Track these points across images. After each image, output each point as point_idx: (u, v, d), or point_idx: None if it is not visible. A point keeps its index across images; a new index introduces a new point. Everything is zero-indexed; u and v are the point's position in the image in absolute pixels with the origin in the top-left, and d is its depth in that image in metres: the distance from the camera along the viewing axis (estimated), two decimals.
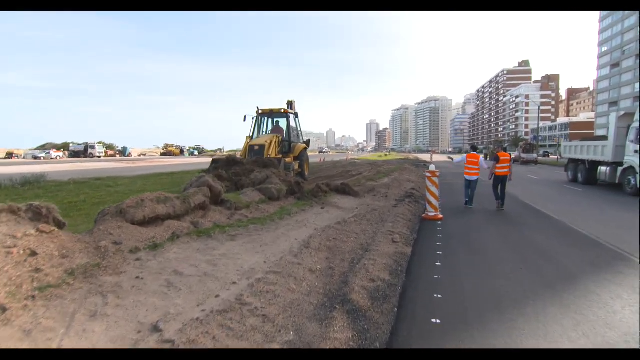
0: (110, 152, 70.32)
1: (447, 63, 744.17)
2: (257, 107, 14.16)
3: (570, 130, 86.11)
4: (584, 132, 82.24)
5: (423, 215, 8.14)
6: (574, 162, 17.69)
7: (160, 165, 29.36)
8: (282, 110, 14.13)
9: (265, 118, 14.60)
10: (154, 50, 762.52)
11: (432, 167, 8.02)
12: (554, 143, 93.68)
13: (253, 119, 14.14)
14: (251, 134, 13.99)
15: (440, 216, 7.93)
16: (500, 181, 9.65)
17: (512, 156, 41.96)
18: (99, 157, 60.94)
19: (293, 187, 8.63)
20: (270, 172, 9.06)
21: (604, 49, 74.49)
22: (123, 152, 74.17)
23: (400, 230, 6.53)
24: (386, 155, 69.80)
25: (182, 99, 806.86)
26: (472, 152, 10.20)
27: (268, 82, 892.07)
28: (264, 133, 14.19)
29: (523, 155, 38.20)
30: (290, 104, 15.20)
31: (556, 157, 48.36)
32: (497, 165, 9.63)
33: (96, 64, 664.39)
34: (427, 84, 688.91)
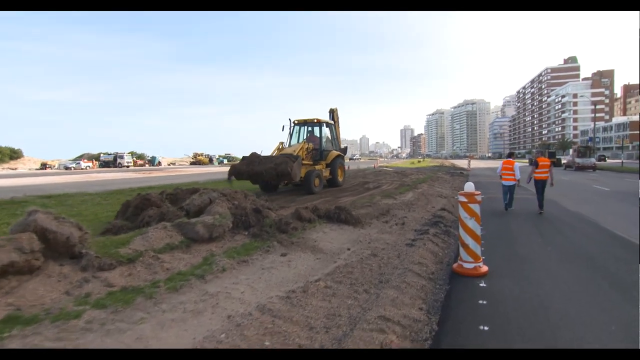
0: (139, 162, 71.49)
1: (484, 64, 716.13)
2: (290, 119, 14.71)
3: (631, 130, 77.13)
4: None
5: (455, 265, 4.93)
6: None
7: (173, 176, 27.56)
8: (315, 120, 14.55)
9: (300, 127, 15.04)
10: (193, 64, 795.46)
11: (468, 187, 4.78)
12: (609, 145, 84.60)
13: (289, 128, 14.67)
14: (287, 143, 14.44)
15: (484, 269, 4.68)
16: (540, 185, 9.67)
17: (565, 161, 37.29)
18: (128, 166, 62.02)
19: (248, 218, 5.70)
20: (219, 194, 6.19)
21: None
22: (152, 161, 75.08)
23: (406, 310, 3.44)
24: (419, 162, 65.31)
25: (220, 110, 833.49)
26: (508, 159, 10.35)
27: (302, 90, 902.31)
28: (299, 142, 14.42)
29: (578, 160, 32.92)
30: (332, 112, 15.96)
31: (620, 161, 42.09)
32: (536, 170, 9.74)
33: (140, 79, 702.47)
34: (463, 87, 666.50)
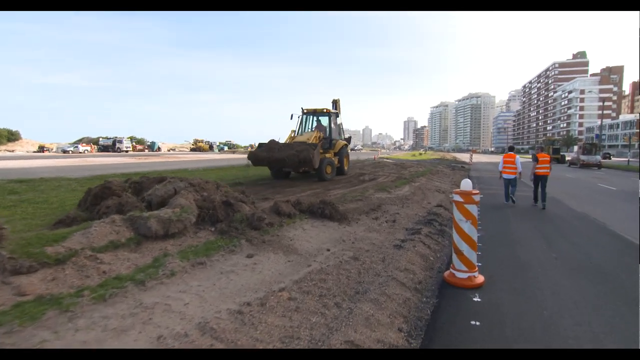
0: (139, 147, 70.89)
1: (490, 58, 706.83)
2: (302, 108, 14.99)
3: (638, 128, 75.71)
4: None
5: (446, 273, 4.30)
6: None
7: (168, 162, 26.96)
8: (325, 110, 14.90)
9: (309, 117, 15.25)
10: (196, 49, 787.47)
11: (465, 184, 4.10)
12: (615, 143, 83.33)
13: (298, 117, 14.94)
14: (296, 131, 14.67)
15: (479, 280, 4.05)
16: (539, 180, 9.85)
17: (569, 158, 36.40)
18: (127, 151, 61.52)
19: (216, 211, 5.06)
20: (186, 183, 5.54)
21: None
22: (151, 147, 74.52)
23: (381, 333, 2.83)
24: (420, 154, 64.46)
25: (222, 97, 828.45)
26: (509, 152, 10.48)
27: (304, 80, 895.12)
28: (308, 130, 14.83)
29: (583, 158, 32.00)
30: (335, 102, 16.01)
31: (626, 159, 41.16)
32: (537, 166, 9.87)
33: (142, 64, 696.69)
34: (468, 80, 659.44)
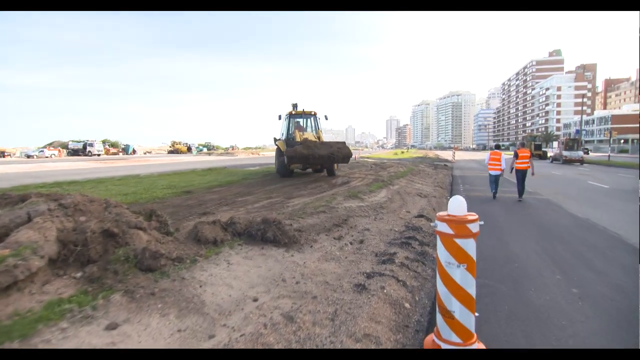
0: (112, 150, 67.55)
1: (470, 56, 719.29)
2: (293, 104, 15.62)
3: (613, 124, 77.07)
4: (629, 125, 73.58)
5: (427, 340, 2.71)
6: None
7: (137, 166, 24.79)
8: (313, 113, 15.70)
9: (292, 118, 15.62)
10: (175, 48, 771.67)
11: (456, 205, 2.47)
12: (591, 139, 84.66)
13: (285, 117, 15.64)
14: (284, 133, 15.46)
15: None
16: (521, 174, 10.35)
17: (551, 154, 36.01)
18: (98, 155, 58.34)
19: (88, 247, 3.34)
20: (56, 205, 3.79)
21: None
22: (126, 150, 71.25)
23: None
24: (403, 153, 63.60)
25: (205, 97, 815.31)
26: (495, 150, 10.92)
27: (286, 79, 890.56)
28: (290, 132, 15.29)
29: (565, 153, 31.39)
30: (294, 106, 15.93)
31: (606, 154, 40.97)
32: (517, 161, 10.42)
33: (118, 64, 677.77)
34: (449, 79, 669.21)
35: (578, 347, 2.83)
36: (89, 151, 58.39)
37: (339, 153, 12.79)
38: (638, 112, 72.48)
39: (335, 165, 15.39)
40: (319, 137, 14.80)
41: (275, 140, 16.21)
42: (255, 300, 3.34)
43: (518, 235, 6.26)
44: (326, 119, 16.18)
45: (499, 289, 3.94)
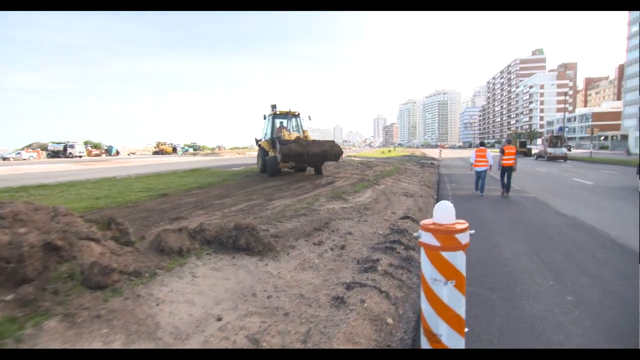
0: (95, 152, 65.74)
1: (456, 55, 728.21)
2: (272, 105, 15.76)
3: (593, 121, 78.72)
4: (609, 123, 75.27)
5: None
6: None
7: (115, 168, 23.95)
8: (297, 113, 15.67)
9: (275, 118, 15.63)
10: (159, 47, 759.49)
11: (442, 211, 2.13)
12: (573, 136, 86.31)
13: (268, 117, 15.62)
14: (268, 133, 15.55)
15: None
16: (506, 171, 10.65)
17: (536, 151, 36.48)
18: (80, 156, 56.60)
19: (24, 264, 2.90)
20: None
21: (634, 28, 66.84)
22: (109, 151, 69.47)
23: None
24: (389, 151, 63.61)
25: (192, 97, 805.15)
26: (481, 147, 11.11)
27: (274, 78, 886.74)
28: (274, 133, 15.31)
29: (550, 150, 31.73)
30: (273, 107, 15.88)
31: (588, 151, 41.60)
32: (503, 157, 10.69)
33: (105, 65, 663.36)
34: (436, 77, 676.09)
35: None
36: (70, 153, 56.60)
37: (331, 151, 13.15)
38: (617, 110, 74.20)
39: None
40: (306, 137, 14.69)
41: (257, 140, 16.29)
42: (219, 319, 2.95)
43: (507, 236, 6.00)
44: (309, 119, 16.21)
45: (490, 299, 3.63)
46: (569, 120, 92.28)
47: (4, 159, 49.64)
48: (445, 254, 2.04)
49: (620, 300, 3.55)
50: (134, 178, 14.01)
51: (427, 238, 2.09)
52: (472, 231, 2.15)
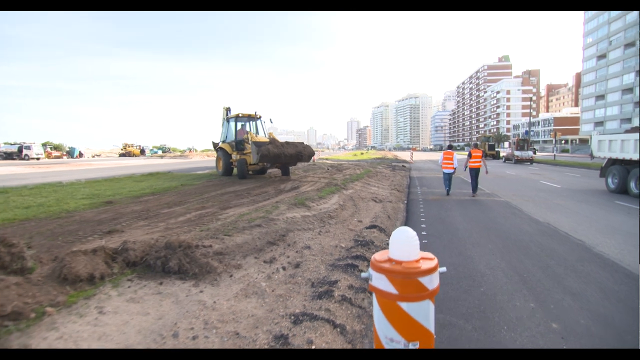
0: (55, 154, 61.83)
1: (427, 59, 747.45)
2: (226, 107, 15.90)
3: (555, 125, 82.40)
4: (568, 127, 79.00)
5: None
6: (620, 165, 11.87)
7: (67, 171, 22.15)
8: (259, 116, 15.45)
9: (237, 121, 15.41)
10: (130, 48, 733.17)
11: (399, 239, 1.54)
12: (536, 139, 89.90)
13: (230, 121, 15.41)
14: (228, 135, 15.41)
15: None
16: (474, 172, 11.12)
17: (504, 154, 37.29)
18: (37, 159, 52.98)
19: None
20: None
21: (589, 39, 70.51)
22: (70, 153, 65.63)
23: None
24: (362, 154, 63.64)
25: (156, 98, 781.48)
26: (448, 150, 11.55)
27: (246, 80, 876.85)
28: (233, 135, 15.16)
29: (517, 153, 32.45)
30: (228, 110, 15.91)
31: (551, 154, 43.10)
32: (470, 160, 11.17)
33: (73, 63, 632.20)
34: (407, 81, 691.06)
35: None
36: (26, 155, 52.95)
37: (305, 151, 13.54)
38: (576, 115, 78.01)
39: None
40: (273, 139, 14.31)
41: (216, 144, 16.05)
42: None
43: (481, 248, 5.53)
44: (271, 122, 16.18)
45: (465, 330, 3.07)
46: (533, 124, 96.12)
47: None
48: (405, 306, 1.42)
49: (611, 329, 3.08)
50: (83, 183, 12.75)
51: (379, 282, 1.46)
52: (444, 269, 1.54)
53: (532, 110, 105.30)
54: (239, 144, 14.67)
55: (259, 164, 13.29)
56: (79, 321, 2.77)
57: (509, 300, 3.63)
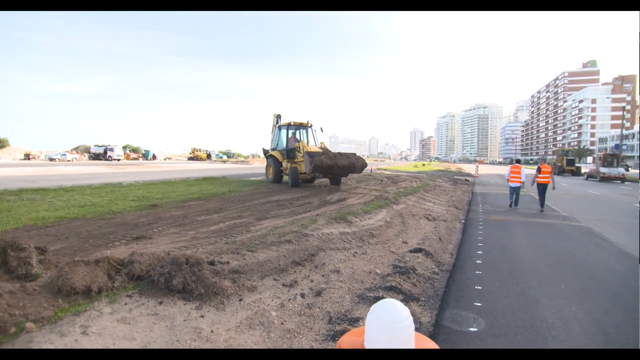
0: (133, 156, 68.72)
1: (497, 67, 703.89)
2: (277, 115, 16.35)
3: None
4: None
5: None
6: None
7: (144, 172, 24.07)
8: (310, 125, 15.47)
9: (289, 129, 15.44)
10: (199, 58, 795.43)
11: (380, 329, 0.88)
12: (631, 154, 79.01)
13: (282, 128, 15.60)
14: (279, 143, 15.56)
15: None
16: (542, 188, 11.00)
17: (586, 170, 33.13)
18: (118, 159, 59.36)
19: None
20: None
21: None
22: (145, 155, 72.47)
23: None
24: (424, 165, 61.04)
25: (223, 106, 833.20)
26: (516, 164, 11.74)
27: (312, 90, 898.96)
28: (284, 143, 15.34)
29: (603, 170, 28.40)
30: (278, 117, 16.29)
31: None
32: (539, 175, 11.06)
33: (151, 72, 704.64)
34: (475, 91, 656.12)
35: None
36: (109, 156, 59.63)
37: (357, 163, 13.31)
38: None
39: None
40: (324, 148, 14.30)
41: (266, 151, 16.16)
42: None
43: (551, 288, 4.45)
44: (322, 131, 15.90)
45: None
46: (626, 137, 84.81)
47: (51, 159, 52.84)
48: None
49: None
50: (140, 185, 13.48)
51: None
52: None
53: (624, 121, 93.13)
54: (290, 152, 14.59)
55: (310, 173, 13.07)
56: (56, 341, 2.50)
57: None
